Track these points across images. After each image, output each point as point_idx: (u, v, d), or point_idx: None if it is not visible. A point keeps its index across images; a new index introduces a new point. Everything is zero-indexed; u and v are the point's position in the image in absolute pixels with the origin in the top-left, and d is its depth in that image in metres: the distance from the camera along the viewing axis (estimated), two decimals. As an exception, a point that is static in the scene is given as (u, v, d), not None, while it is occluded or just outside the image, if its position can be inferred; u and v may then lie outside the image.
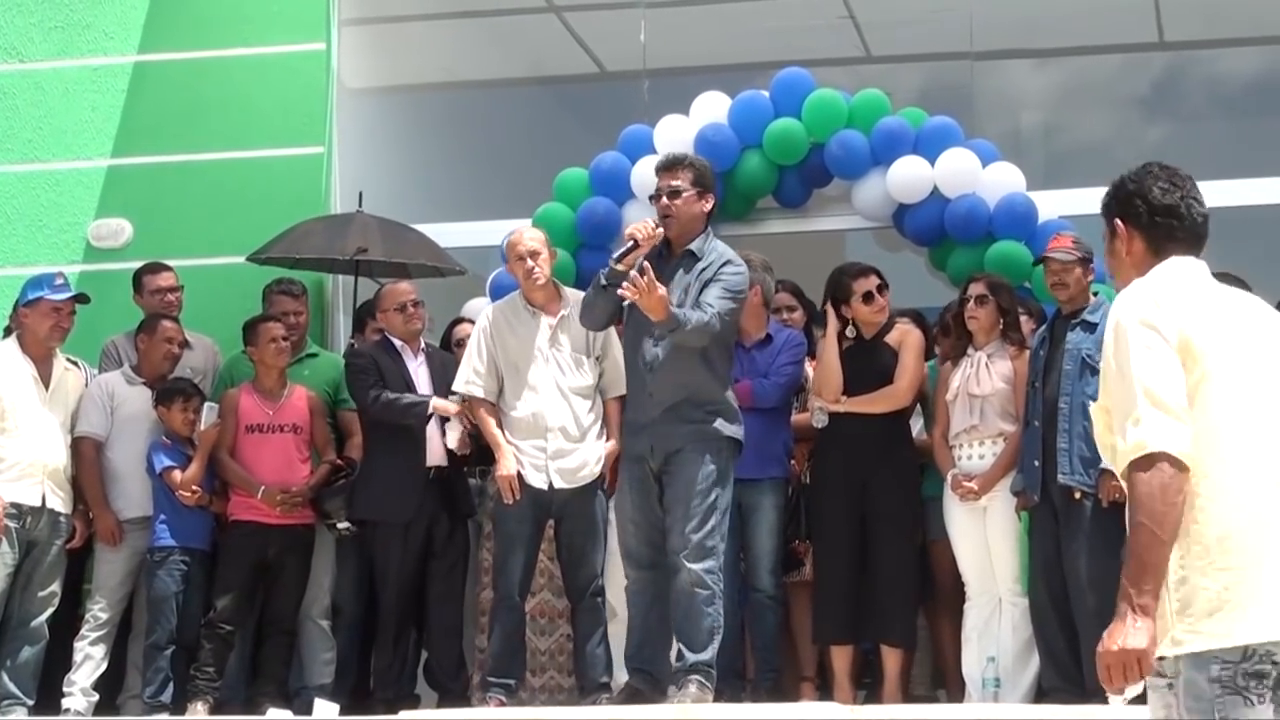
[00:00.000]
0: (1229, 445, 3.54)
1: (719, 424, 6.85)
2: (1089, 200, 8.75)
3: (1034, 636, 7.24)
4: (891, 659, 7.52)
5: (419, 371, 7.97)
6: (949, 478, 7.47)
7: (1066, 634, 7.07)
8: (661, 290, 6.55)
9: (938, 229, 8.49)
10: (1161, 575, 3.50)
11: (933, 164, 8.42)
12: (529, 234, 7.54)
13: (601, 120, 9.78)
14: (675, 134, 8.69)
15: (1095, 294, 7.33)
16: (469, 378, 7.48)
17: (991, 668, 7.34)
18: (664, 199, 6.94)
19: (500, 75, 11.37)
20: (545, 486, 7.30)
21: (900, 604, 7.50)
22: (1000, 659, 7.34)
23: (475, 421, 7.56)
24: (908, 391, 7.58)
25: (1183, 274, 3.69)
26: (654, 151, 8.68)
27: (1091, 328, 7.14)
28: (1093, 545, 6.99)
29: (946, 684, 7.82)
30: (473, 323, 8.40)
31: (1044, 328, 7.42)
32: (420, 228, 9.12)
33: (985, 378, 7.44)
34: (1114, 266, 3.83)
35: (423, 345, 8.10)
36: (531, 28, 11.00)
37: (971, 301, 7.53)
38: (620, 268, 6.78)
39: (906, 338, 7.63)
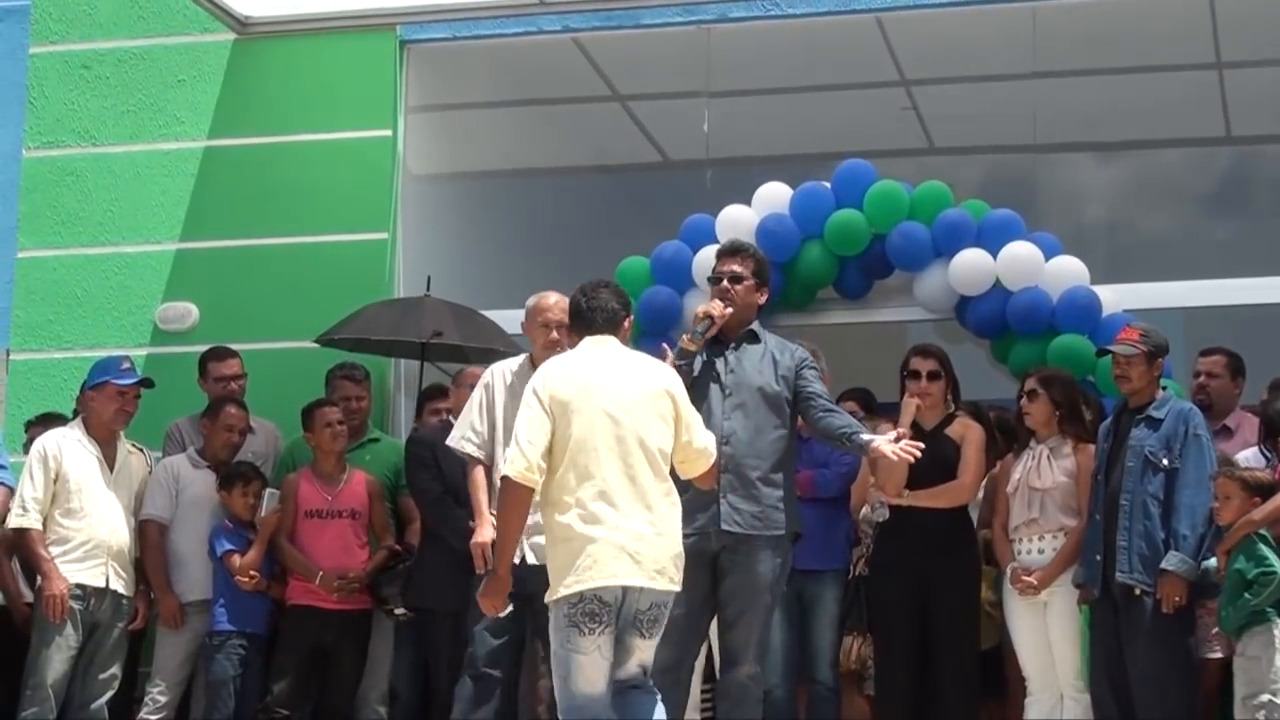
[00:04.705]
0: (575, 470, 5.61)
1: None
2: (1153, 294, 8.82)
3: (1097, 731, 7.15)
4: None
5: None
6: (1008, 571, 7.41)
7: (1130, 729, 6.98)
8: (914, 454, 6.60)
9: (1000, 321, 8.45)
10: (508, 552, 5.80)
11: (995, 256, 8.40)
12: (561, 305, 6.96)
13: (664, 209, 9.80)
14: (737, 223, 8.70)
15: (1164, 389, 7.27)
16: (465, 434, 7.02)
17: (1054, 764, 7.25)
18: (726, 282, 6.90)
19: (564, 163, 11.44)
20: (517, 560, 6.50)
21: (962, 701, 7.40)
22: (1063, 755, 7.24)
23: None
24: (972, 487, 7.52)
25: (578, 351, 5.93)
26: (715, 241, 8.68)
27: (1156, 424, 7.08)
28: (1152, 643, 6.91)
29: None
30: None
31: (1109, 420, 7.35)
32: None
33: (1047, 471, 7.38)
34: None
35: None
36: (596, 116, 11.07)
37: (1025, 397, 7.49)
38: (693, 347, 6.70)
39: (969, 432, 7.55)
